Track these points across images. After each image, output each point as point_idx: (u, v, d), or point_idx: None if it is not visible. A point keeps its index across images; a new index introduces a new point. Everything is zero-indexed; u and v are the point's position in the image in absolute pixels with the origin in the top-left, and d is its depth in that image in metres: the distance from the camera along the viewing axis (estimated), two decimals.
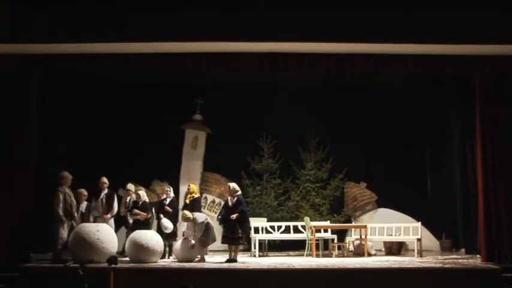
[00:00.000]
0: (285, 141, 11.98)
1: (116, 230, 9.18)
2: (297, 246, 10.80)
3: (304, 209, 11.62)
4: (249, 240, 10.28)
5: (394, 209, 11.83)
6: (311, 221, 10.33)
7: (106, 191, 9.21)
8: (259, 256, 9.89)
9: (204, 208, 11.78)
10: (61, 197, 8.46)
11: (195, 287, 5.30)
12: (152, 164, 11.60)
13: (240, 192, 8.92)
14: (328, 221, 11.02)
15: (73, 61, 8.57)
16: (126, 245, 8.69)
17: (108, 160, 11.04)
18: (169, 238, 9.20)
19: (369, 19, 8.22)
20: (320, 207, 11.75)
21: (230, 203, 8.82)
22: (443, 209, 11.61)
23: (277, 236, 10.48)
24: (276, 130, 11.88)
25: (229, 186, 8.97)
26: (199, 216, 8.93)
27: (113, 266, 6.27)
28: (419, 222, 10.30)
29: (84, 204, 8.99)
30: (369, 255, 9.99)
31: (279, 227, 10.52)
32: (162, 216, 9.25)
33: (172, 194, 9.62)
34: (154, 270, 7.96)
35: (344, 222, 11.68)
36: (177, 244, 8.96)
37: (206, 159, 12.43)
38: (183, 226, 9.22)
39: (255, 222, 10.35)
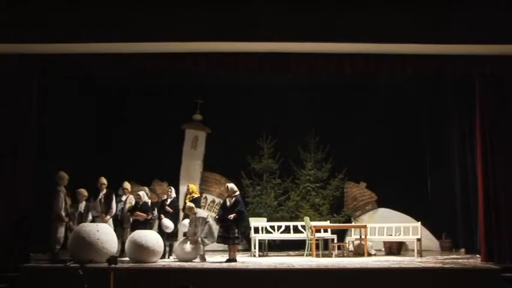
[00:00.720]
0: (285, 141, 11.97)
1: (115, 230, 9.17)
2: (296, 246, 10.79)
3: (304, 209, 11.62)
4: (248, 240, 10.28)
5: (394, 209, 11.83)
6: (311, 221, 10.33)
7: (104, 191, 9.21)
8: (259, 256, 9.89)
9: (204, 208, 11.76)
10: (62, 196, 8.46)
11: (194, 287, 5.28)
12: (152, 163, 11.59)
13: (238, 193, 8.92)
14: (328, 221, 11.02)
15: (73, 61, 8.57)
16: (126, 245, 8.68)
17: (108, 160, 11.02)
18: (169, 238, 9.20)
19: (369, 19, 8.22)
20: (320, 207, 11.74)
21: (228, 203, 8.81)
22: (443, 209, 11.61)
23: (277, 236, 10.48)
24: (276, 130, 11.88)
25: (227, 186, 8.98)
26: (201, 212, 8.97)
27: (113, 266, 6.26)
28: (419, 222, 10.29)
29: (83, 204, 8.98)
30: (369, 255, 9.98)
31: (279, 227, 10.51)
32: (162, 216, 9.24)
33: (173, 194, 9.64)
34: (154, 270, 7.96)
35: (344, 222, 11.66)
36: (177, 244, 8.96)
37: (206, 159, 12.43)
38: (183, 226, 9.22)
39: (254, 222, 10.36)
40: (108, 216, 9.05)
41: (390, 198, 11.82)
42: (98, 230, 8.32)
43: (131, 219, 9.26)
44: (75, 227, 8.55)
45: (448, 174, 11.58)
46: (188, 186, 9.89)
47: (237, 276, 7.68)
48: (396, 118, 12.03)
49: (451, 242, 11.32)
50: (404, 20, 8.24)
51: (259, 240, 10.06)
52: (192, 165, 12.28)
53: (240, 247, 9.17)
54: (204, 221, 8.85)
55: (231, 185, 8.95)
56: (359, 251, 10.14)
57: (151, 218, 9.19)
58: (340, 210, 11.94)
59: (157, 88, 11.64)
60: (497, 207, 8.54)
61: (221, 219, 8.77)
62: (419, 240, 9.94)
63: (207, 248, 9.92)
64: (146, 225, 9.03)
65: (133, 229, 8.90)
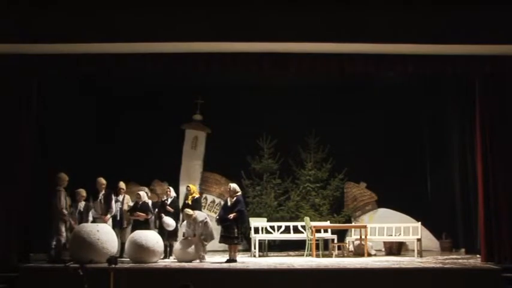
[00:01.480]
0: (285, 141, 11.96)
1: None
2: (297, 247, 10.80)
3: (304, 209, 11.61)
4: (248, 240, 10.27)
5: (394, 209, 11.82)
6: (311, 221, 10.32)
7: (104, 191, 9.20)
8: (259, 256, 9.88)
9: (204, 208, 11.75)
10: (62, 196, 8.48)
11: (195, 287, 5.28)
12: (152, 164, 11.57)
13: (240, 193, 8.91)
14: (328, 221, 11.01)
15: (73, 61, 8.56)
16: (127, 245, 8.67)
17: (108, 160, 11.00)
18: (170, 238, 9.19)
19: (369, 19, 8.20)
20: (320, 207, 11.74)
21: (229, 203, 8.80)
22: (443, 209, 11.60)
23: (277, 236, 10.47)
24: (276, 130, 11.86)
25: (230, 186, 8.97)
26: (200, 215, 8.97)
27: (113, 266, 6.26)
28: (419, 222, 10.29)
29: (82, 204, 8.97)
30: (369, 255, 9.97)
31: (279, 227, 10.50)
32: (163, 215, 9.23)
33: (173, 194, 9.62)
34: (155, 270, 7.96)
35: (344, 223, 11.65)
36: (177, 244, 8.95)
37: (206, 159, 12.42)
38: (183, 226, 9.21)
39: (255, 222, 10.36)
40: (109, 216, 9.03)
41: (390, 198, 11.81)
42: (98, 230, 8.31)
43: (131, 220, 9.24)
44: (77, 227, 8.53)
45: (448, 174, 11.58)
46: (188, 186, 9.86)
47: (237, 276, 7.68)
48: (396, 118, 12.02)
49: (451, 242, 11.31)
50: (404, 20, 8.23)
51: (259, 240, 10.05)
52: (192, 165, 12.28)
53: (240, 247, 9.15)
54: (203, 222, 8.83)
55: (234, 185, 8.95)
56: (359, 251, 10.13)
57: (151, 217, 9.18)
58: (340, 211, 11.94)
59: (157, 88, 11.61)
60: (497, 207, 8.54)
61: (222, 219, 8.76)
62: (419, 240, 9.94)
63: (207, 247, 9.95)
64: (147, 225, 9.02)
65: (134, 229, 8.88)
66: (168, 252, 9.23)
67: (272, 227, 10.47)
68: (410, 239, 10.24)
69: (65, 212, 8.54)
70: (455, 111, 11.31)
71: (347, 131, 11.89)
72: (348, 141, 11.83)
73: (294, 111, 11.69)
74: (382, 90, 11.61)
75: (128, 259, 8.68)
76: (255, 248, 9.94)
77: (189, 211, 8.94)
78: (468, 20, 8.21)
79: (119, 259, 8.14)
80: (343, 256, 9.98)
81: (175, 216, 9.33)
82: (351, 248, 10.56)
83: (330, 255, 9.91)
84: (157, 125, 11.74)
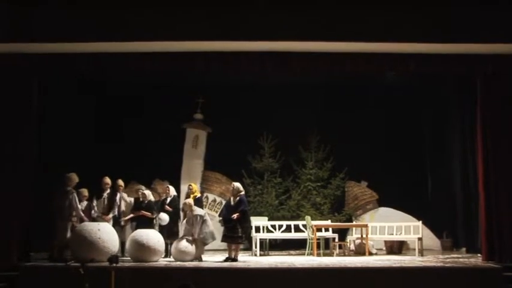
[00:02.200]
0: (286, 140, 11.93)
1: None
2: (298, 245, 10.74)
3: (305, 208, 11.60)
4: (249, 239, 10.26)
5: (395, 208, 11.79)
6: (312, 220, 10.32)
7: (108, 191, 9.19)
8: (260, 255, 9.90)
9: (205, 207, 11.72)
10: (75, 197, 8.51)
11: (196, 286, 5.28)
12: (153, 163, 11.55)
13: (243, 192, 8.89)
14: (329, 220, 11.00)
15: (73, 60, 8.55)
16: (128, 244, 8.67)
17: (109, 159, 10.97)
18: (170, 237, 9.18)
19: (371, 18, 8.19)
20: (321, 206, 11.72)
21: (232, 203, 8.77)
22: (444, 208, 11.58)
23: (278, 235, 10.46)
24: (277, 129, 11.84)
25: (233, 185, 8.93)
26: (199, 210, 8.90)
27: (114, 265, 6.26)
28: (420, 221, 10.27)
29: (84, 204, 8.96)
30: (370, 254, 9.97)
31: (280, 226, 10.49)
32: (161, 213, 9.22)
33: (172, 193, 9.58)
34: (156, 269, 7.95)
35: (345, 222, 11.61)
36: (174, 243, 8.84)
37: (207, 158, 12.40)
38: (184, 225, 9.18)
39: (256, 221, 10.35)
40: (110, 216, 9.02)
41: (391, 197, 11.77)
42: (99, 229, 8.30)
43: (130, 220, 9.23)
44: (78, 226, 8.52)
45: (449, 173, 11.56)
46: (190, 185, 9.85)
47: (238, 275, 7.68)
48: (397, 117, 12.00)
49: (452, 241, 11.29)
50: (406, 19, 8.21)
51: (260, 239, 10.05)
52: (193, 164, 12.26)
53: (241, 246, 9.11)
54: (202, 219, 8.78)
55: (237, 184, 8.91)
56: (360, 250, 10.12)
57: (156, 217, 9.15)
58: (341, 210, 11.91)
59: (157, 87, 11.58)
60: (498, 206, 8.52)
61: (225, 220, 8.71)
62: (420, 239, 9.92)
63: (208, 247, 9.95)
64: (151, 224, 8.99)
65: (137, 228, 8.86)
66: (169, 251, 9.21)
67: (273, 226, 10.46)
68: (411, 238, 10.23)
69: (81, 214, 8.53)
70: (457, 110, 11.28)
71: (348, 130, 11.85)
72: (349, 140, 11.78)
73: (295, 110, 11.66)
74: (384, 89, 11.60)
75: (129, 258, 8.66)
76: (256, 247, 9.94)
77: (190, 201, 8.88)
78: (470, 19, 8.18)
79: (120, 258, 8.16)
80: (344, 255, 9.97)
81: (174, 215, 9.29)
82: (352, 247, 10.53)
83: (331, 254, 9.92)
84: (158, 124, 11.72)
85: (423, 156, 12.28)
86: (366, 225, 10.25)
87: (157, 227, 9.28)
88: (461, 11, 8.18)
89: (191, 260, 8.64)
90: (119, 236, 8.92)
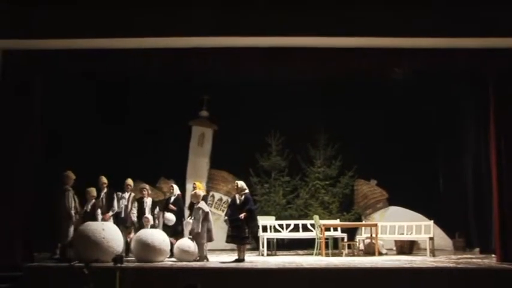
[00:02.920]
0: (294, 138, 11.91)
1: None
2: (305, 245, 10.75)
3: (313, 207, 11.60)
4: (257, 239, 10.24)
5: (406, 207, 11.75)
6: (320, 219, 10.32)
7: (105, 190, 9.18)
8: (268, 255, 9.92)
9: (211, 206, 11.73)
10: (70, 195, 8.48)
11: (202, 286, 5.25)
12: (158, 161, 11.57)
13: (247, 191, 8.84)
14: (338, 220, 11.01)
15: (77, 57, 8.55)
16: (133, 244, 8.65)
17: (113, 158, 10.95)
18: (175, 237, 9.14)
19: (378, 13, 8.11)
20: (329, 205, 11.72)
21: (238, 201, 8.72)
22: (456, 206, 11.48)
23: (285, 234, 10.46)
24: (284, 126, 11.82)
25: (237, 184, 8.89)
26: (203, 205, 8.86)
27: (119, 265, 6.25)
28: (432, 221, 10.19)
29: (90, 203, 8.95)
30: (380, 254, 9.95)
31: (288, 226, 10.51)
32: (165, 213, 9.20)
33: (176, 192, 9.57)
34: (161, 270, 7.94)
35: (354, 221, 11.60)
36: (177, 243, 8.79)
37: (213, 157, 12.41)
38: (188, 224, 9.16)
39: (263, 220, 10.35)
40: (110, 214, 8.99)
41: (401, 196, 11.72)
42: (103, 229, 8.30)
43: (158, 220, 9.24)
44: (82, 226, 8.50)
45: (461, 171, 11.46)
46: (194, 184, 9.82)
47: (245, 275, 7.67)
48: (408, 114, 11.88)
49: (465, 241, 11.20)
50: (416, 13, 8.12)
51: (267, 239, 10.07)
52: (198, 162, 12.26)
53: (248, 246, 9.08)
54: (204, 213, 8.73)
55: (241, 183, 8.87)
56: (370, 250, 10.10)
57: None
58: (350, 209, 11.91)
59: (163, 84, 11.49)
60: None
61: (231, 219, 8.65)
62: (431, 239, 9.86)
63: (214, 247, 9.92)
64: (178, 222, 9.03)
65: (164, 229, 8.94)
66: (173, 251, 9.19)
67: (281, 226, 10.47)
68: (422, 237, 10.16)
69: (72, 212, 8.52)
70: (469, 106, 11.16)
71: (357, 128, 11.76)
72: (357, 138, 11.72)
73: (303, 107, 11.61)
74: (394, 85, 11.42)
75: (134, 258, 8.65)
76: (263, 247, 9.96)
77: (198, 191, 8.90)
78: (482, 13, 8.07)
79: (125, 258, 8.15)
80: (353, 255, 9.95)
81: (178, 215, 9.26)
82: (361, 246, 10.53)
83: (340, 254, 9.89)
84: (163, 121, 11.70)
85: (434, 154, 12.16)
86: (376, 225, 10.22)
87: (161, 227, 9.27)
88: (473, 4, 8.06)
89: (194, 260, 8.58)
90: (124, 237, 8.89)
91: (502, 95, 8.67)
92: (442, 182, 12.20)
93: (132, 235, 8.97)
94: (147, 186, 9.63)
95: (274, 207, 11.69)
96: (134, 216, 9.23)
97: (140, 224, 9.07)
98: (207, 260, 8.77)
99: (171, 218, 9.04)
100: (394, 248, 10.66)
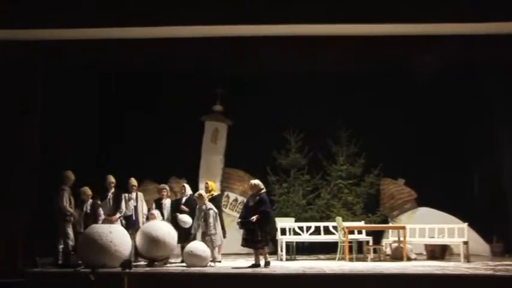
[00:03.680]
0: (314, 133, 11.89)
1: None
2: (327, 249, 10.74)
3: (335, 208, 11.59)
4: (275, 242, 10.22)
5: (437, 208, 11.63)
6: (343, 221, 10.28)
7: (113, 190, 9.19)
8: (287, 260, 9.91)
9: (225, 207, 11.79)
10: (66, 195, 8.51)
11: None
12: (169, 159, 11.56)
13: (264, 191, 8.77)
14: (363, 221, 10.95)
15: (80, 48, 8.57)
16: (137, 239, 8.66)
17: (121, 157, 11.03)
18: (186, 240, 9.13)
19: None
20: (353, 206, 11.70)
21: (252, 203, 8.65)
22: (494, 208, 11.24)
23: (306, 237, 10.45)
24: (304, 122, 11.79)
25: (251, 183, 8.79)
26: (210, 205, 8.85)
27: (127, 270, 6.26)
28: (466, 223, 10.08)
29: (88, 204, 8.97)
30: (408, 259, 9.87)
31: (308, 228, 10.50)
32: (178, 214, 9.18)
33: (188, 192, 9.57)
34: (173, 275, 7.94)
35: (380, 223, 11.56)
36: (186, 247, 8.73)
37: (228, 154, 12.43)
38: (183, 224, 9.13)
39: (281, 222, 10.37)
40: (117, 216, 9.00)
41: (432, 196, 11.59)
42: (110, 232, 8.29)
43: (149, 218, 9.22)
44: (87, 229, 8.53)
45: (498, 169, 11.24)
46: (206, 183, 9.81)
47: (262, 282, 7.64)
48: (437, 106, 11.73)
49: (504, 246, 11.00)
50: None
51: (286, 242, 10.06)
52: (212, 160, 12.29)
53: (266, 250, 8.99)
54: (215, 214, 8.71)
55: (256, 182, 8.78)
56: (397, 255, 10.03)
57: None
58: (375, 210, 11.86)
59: (173, 77, 11.56)
60: None
61: (243, 223, 8.57)
62: (466, 243, 9.74)
63: (228, 251, 9.90)
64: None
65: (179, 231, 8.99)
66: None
67: (300, 228, 10.47)
68: (455, 241, 10.05)
69: (70, 210, 8.55)
70: (506, 101, 10.93)
71: (383, 122, 11.68)
72: (383, 133, 11.63)
73: (324, 101, 11.57)
74: (422, 77, 11.27)
75: (143, 262, 8.65)
76: (281, 251, 9.96)
77: (202, 192, 8.91)
78: None
79: (134, 263, 8.16)
80: (380, 260, 9.89)
81: (191, 216, 9.22)
82: (388, 251, 10.49)
83: (365, 259, 9.81)
84: (174, 117, 11.72)
85: (468, 150, 11.98)
86: (404, 227, 10.13)
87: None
88: None
89: (204, 265, 8.55)
90: (134, 240, 8.90)
91: None
92: (478, 181, 12.02)
93: None
94: (167, 187, 9.65)
95: (294, 208, 11.69)
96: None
97: None
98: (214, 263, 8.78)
99: (187, 220, 9.04)
100: (424, 253, 10.58)
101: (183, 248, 9.00)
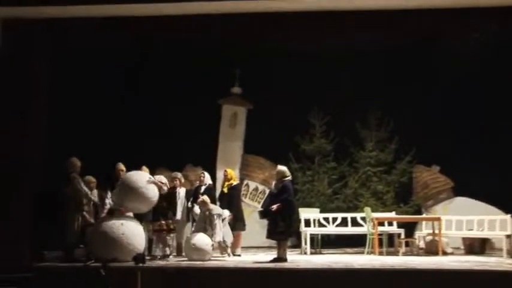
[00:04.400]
0: (341, 117, 11.84)
1: None
2: (355, 242, 10.68)
3: (364, 198, 11.60)
4: (298, 235, 10.18)
5: (476, 198, 11.58)
6: (373, 212, 10.23)
7: None
8: (311, 253, 9.91)
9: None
10: (81, 181, 8.53)
11: None
12: (184, 146, 11.61)
13: (289, 178, 8.72)
14: (394, 212, 10.93)
15: (88, 25, 8.62)
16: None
17: (133, 142, 11.08)
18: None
19: None
20: (383, 196, 11.70)
21: (276, 190, 8.65)
22: None
23: (332, 229, 10.45)
24: (330, 104, 11.72)
25: (277, 170, 8.75)
26: (216, 209, 8.85)
27: (141, 265, 6.27)
28: (509, 215, 9.88)
29: (95, 193, 8.99)
30: (444, 253, 9.79)
31: (334, 219, 10.48)
32: (195, 205, 9.19)
33: (208, 181, 9.56)
34: (188, 270, 7.94)
35: (413, 214, 11.52)
36: (186, 239, 8.76)
37: (247, 140, 12.48)
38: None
39: (305, 213, 10.34)
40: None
41: (470, 184, 11.50)
42: (122, 224, 8.29)
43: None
44: (98, 221, 8.57)
45: None
46: (225, 171, 9.79)
47: (285, 277, 7.59)
48: (476, 87, 11.50)
49: None
50: None
51: (310, 234, 10.05)
52: (230, 146, 12.37)
53: (288, 243, 9.02)
54: (220, 218, 8.71)
55: (282, 168, 8.72)
56: (431, 249, 9.95)
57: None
58: (407, 200, 11.83)
59: (188, 58, 11.51)
60: None
61: (262, 212, 8.59)
62: (509, 236, 9.59)
63: (249, 244, 9.90)
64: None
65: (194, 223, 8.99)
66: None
67: (326, 219, 10.47)
68: (496, 235, 9.95)
69: (90, 197, 8.57)
70: None
71: (415, 104, 11.54)
72: (416, 116, 11.54)
73: (351, 81, 11.51)
74: (460, 52, 11.06)
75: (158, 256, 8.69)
76: (305, 244, 9.96)
77: (206, 198, 8.87)
78: None
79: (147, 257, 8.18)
80: (412, 254, 9.86)
81: None
82: (422, 244, 10.41)
83: (396, 253, 9.77)
84: (189, 100, 11.69)
85: (510, 134, 11.71)
86: (439, 219, 10.03)
87: (188, 222, 9.32)
88: None
89: (205, 259, 8.51)
90: (147, 232, 8.91)
91: None
92: None
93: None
94: (179, 175, 9.63)
95: (319, 197, 11.70)
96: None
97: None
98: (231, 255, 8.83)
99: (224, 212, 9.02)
100: (462, 247, 10.52)
101: None
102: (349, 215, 10.54)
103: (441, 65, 11.40)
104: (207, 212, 8.73)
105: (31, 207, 8.37)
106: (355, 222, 10.39)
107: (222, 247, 8.75)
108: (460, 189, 11.83)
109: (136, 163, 9.32)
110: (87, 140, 10.22)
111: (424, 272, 7.64)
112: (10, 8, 8.22)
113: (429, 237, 10.19)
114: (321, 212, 10.87)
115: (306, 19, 8.53)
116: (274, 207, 8.34)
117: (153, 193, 8.49)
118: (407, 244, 10.12)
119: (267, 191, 11.48)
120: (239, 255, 9.17)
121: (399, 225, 10.27)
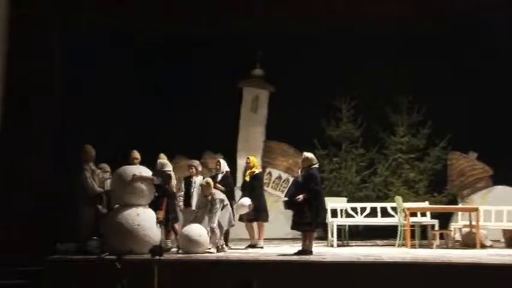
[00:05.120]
0: (370, 100, 11.77)
1: None
2: (385, 234, 10.66)
3: (394, 187, 11.57)
4: (324, 226, 10.11)
5: None
6: (404, 201, 10.17)
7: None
8: (338, 246, 9.93)
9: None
10: (89, 174, 8.56)
11: (258, 283, 5.16)
12: (203, 132, 11.64)
13: (315, 166, 8.71)
14: (427, 202, 10.81)
15: (103, 8, 8.57)
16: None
17: (147, 129, 11.11)
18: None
19: None
20: (415, 184, 11.65)
21: (301, 179, 8.63)
22: None
23: (360, 220, 10.45)
24: (358, 87, 11.63)
25: (304, 156, 8.73)
26: (219, 194, 8.85)
27: (158, 257, 6.29)
28: None
29: (108, 182, 9.02)
30: (482, 247, 9.72)
31: (363, 209, 10.45)
32: None
33: (224, 168, 9.56)
34: (208, 263, 8.00)
35: (448, 204, 11.45)
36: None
37: (269, 125, 12.45)
38: (242, 207, 9.13)
39: (332, 203, 10.33)
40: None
41: (511, 172, 11.32)
42: (138, 214, 8.37)
43: (179, 202, 9.24)
44: (112, 211, 8.63)
45: None
46: (248, 159, 9.81)
47: (311, 270, 7.61)
48: None
49: None
50: None
51: (337, 226, 10.04)
52: (252, 132, 12.36)
53: (314, 235, 9.02)
54: (222, 204, 8.71)
55: (309, 155, 8.72)
56: (468, 242, 9.90)
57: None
58: (442, 189, 11.71)
59: (207, 38, 11.52)
60: None
61: (287, 202, 8.58)
62: None
63: (272, 235, 9.87)
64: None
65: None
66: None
67: (354, 209, 10.44)
68: None
69: (97, 190, 8.61)
70: None
71: (450, 85, 11.44)
72: (452, 99, 11.36)
73: (380, 62, 11.38)
74: (499, 28, 10.93)
75: (176, 249, 8.73)
76: (332, 236, 9.97)
77: (209, 180, 8.87)
78: None
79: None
80: (447, 247, 9.81)
81: (227, 196, 9.19)
82: (458, 237, 10.32)
83: (430, 246, 9.75)
84: (208, 83, 11.70)
85: None
86: (477, 209, 10.00)
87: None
88: None
89: (202, 252, 8.51)
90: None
91: None
92: None
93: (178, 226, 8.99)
94: (196, 163, 9.66)
95: (346, 186, 11.70)
96: (180, 201, 9.25)
97: (187, 210, 9.10)
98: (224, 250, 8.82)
99: (245, 202, 9.07)
100: (502, 240, 10.36)
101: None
102: (378, 205, 10.51)
103: (478, 47, 11.29)
104: (209, 197, 8.71)
105: (43, 197, 8.43)
106: (385, 213, 10.34)
107: (213, 234, 8.63)
108: (500, 178, 11.70)
109: (153, 150, 9.39)
110: (103, 127, 10.30)
111: (460, 266, 7.63)
112: None
113: (466, 229, 10.11)
114: (349, 201, 10.89)
115: None
116: (301, 197, 8.32)
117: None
118: (441, 236, 10.08)
119: (291, 180, 11.46)
120: (261, 247, 9.19)
121: (433, 216, 10.22)
